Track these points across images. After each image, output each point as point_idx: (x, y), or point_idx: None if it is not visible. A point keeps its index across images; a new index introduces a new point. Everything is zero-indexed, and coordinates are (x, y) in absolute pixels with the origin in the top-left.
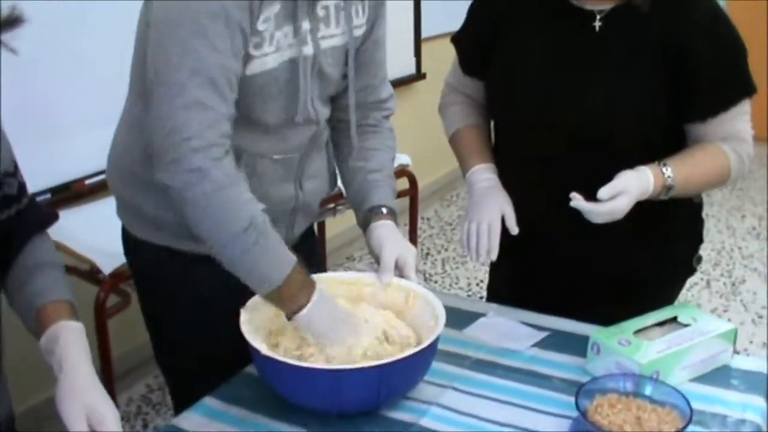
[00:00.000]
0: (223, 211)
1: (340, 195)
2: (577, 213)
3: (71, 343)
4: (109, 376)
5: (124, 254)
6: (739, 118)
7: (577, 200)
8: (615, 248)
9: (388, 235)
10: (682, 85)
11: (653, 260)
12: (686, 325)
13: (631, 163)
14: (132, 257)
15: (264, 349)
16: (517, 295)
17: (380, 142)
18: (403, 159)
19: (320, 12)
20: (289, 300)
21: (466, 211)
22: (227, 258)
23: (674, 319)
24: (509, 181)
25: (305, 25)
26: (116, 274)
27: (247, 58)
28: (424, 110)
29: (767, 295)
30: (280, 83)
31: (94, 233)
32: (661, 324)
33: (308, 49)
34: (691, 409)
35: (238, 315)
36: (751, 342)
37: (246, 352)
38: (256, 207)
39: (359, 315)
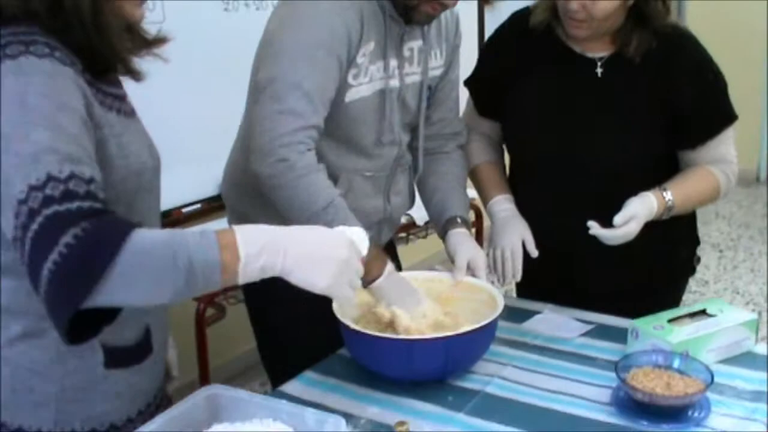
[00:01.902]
0: (306, 193)
1: (413, 224)
2: (591, 236)
3: None
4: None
5: None
6: (725, 143)
7: (595, 228)
8: (625, 260)
9: (462, 240)
10: (675, 119)
11: (660, 264)
12: (713, 316)
13: (633, 189)
14: None
15: (350, 323)
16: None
17: (454, 165)
18: (470, 193)
19: (406, 52)
20: (366, 269)
21: (490, 239)
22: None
23: (704, 312)
24: (525, 210)
25: (393, 63)
26: None
27: (347, 87)
28: None
29: None
30: (371, 109)
31: None
32: (692, 315)
33: (394, 83)
34: (713, 376)
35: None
36: None
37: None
38: (334, 191)
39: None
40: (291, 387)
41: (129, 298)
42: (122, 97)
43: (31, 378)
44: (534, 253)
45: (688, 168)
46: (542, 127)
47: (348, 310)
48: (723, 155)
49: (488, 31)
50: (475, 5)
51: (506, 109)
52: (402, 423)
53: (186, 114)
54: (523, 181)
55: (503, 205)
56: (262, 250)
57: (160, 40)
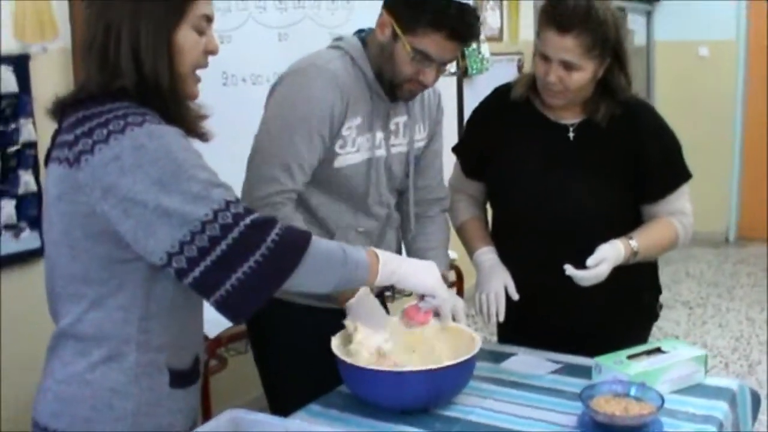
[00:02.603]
0: None
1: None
2: (566, 280)
3: None
4: None
5: None
6: (681, 198)
7: (570, 269)
8: (594, 303)
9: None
10: (638, 176)
11: (625, 308)
12: (667, 352)
13: (603, 238)
14: None
15: (346, 357)
16: (521, 342)
17: (438, 228)
18: (451, 254)
19: (392, 126)
20: (342, 293)
21: (476, 285)
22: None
23: (659, 349)
24: (507, 258)
25: (379, 135)
26: (216, 339)
27: (335, 155)
28: None
29: None
30: (361, 174)
31: None
32: (648, 352)
33: (381, 152)
34: (663, 400)
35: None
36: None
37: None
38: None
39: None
40: (297, 418)
41: (307, 283)
42: None
43: (112, 397)
44: (515, 296)
45: (650, 219)
46: (523, 186)
47: (344, 349)
48: (680, 208)
49: (466, 102)
50: (455, 80)
51: (491, 171)
52: None
53: None
54: (506, 234)
55: (488, 255)
56: (390, 259)
57: (204, 116)
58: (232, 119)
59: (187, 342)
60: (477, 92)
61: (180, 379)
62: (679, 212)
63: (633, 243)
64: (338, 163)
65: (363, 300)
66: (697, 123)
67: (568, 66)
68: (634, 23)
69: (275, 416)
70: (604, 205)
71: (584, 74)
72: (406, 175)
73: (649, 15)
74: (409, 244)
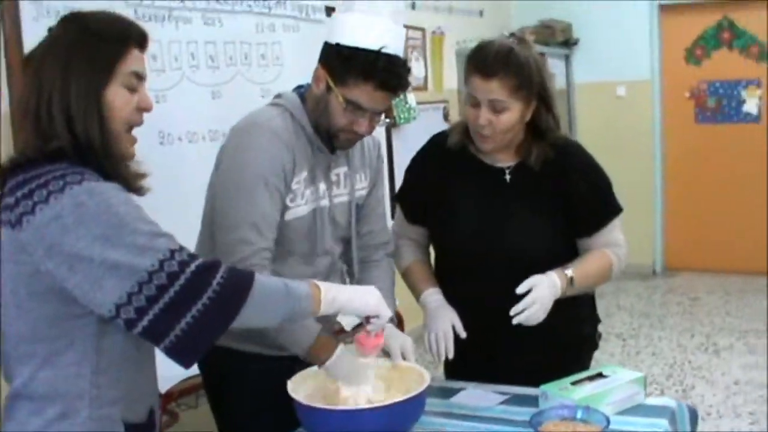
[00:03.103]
0: None
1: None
2: (508, 317)
3: None
4: None
5: None
6: (614, 230)
7: (516, 318)
8: (537, 337)
9: (392, 332)
10: (572, 213)
11: (567, 340)
12: (608, 377)
13: (542, 272)
14: (202, 359)
15: (301, 398)
16: (470, 377)
17: (383, 272)
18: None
19: (333, 177)
20: (318, 355)
21: (425, 325)
22: (276, 333)
23: (600, 374)
24: (452, 298)
25: (322, 186)
26: (167, 394)
27: (285, 209)
28: None
29: (712, 397)
30: (307, 226)
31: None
32: (591, 378)
33: (325, 202)
34: (609, 420)
35: (285, 397)
36: None
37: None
38: (254, 273)
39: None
40: None
41: (253, 321)
42: None
43: None
44: (463, 334)
45: (585, 252)
46: (463, 228)
47: (301, 390)
48: (614, 240)
49: (396, 150)
50: (383, 129)
51: (432, 215)
52: None
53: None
54: (449, 275)
55: (434, 296)
56: (330, 288)
57: (143, 174)
58: (170, 177)
59: (140, 394)
60: (405, 140)
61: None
62: (613, 244)
63: (568, 272)
64: (288, 216)
65: (340, 359)
66: (620, 160)
67: (496, 108)
68: (554, 67)
69: None
70: (541, 242)
71: (512, 115)
72: (350, 224)
73: (567, 58)
74: None
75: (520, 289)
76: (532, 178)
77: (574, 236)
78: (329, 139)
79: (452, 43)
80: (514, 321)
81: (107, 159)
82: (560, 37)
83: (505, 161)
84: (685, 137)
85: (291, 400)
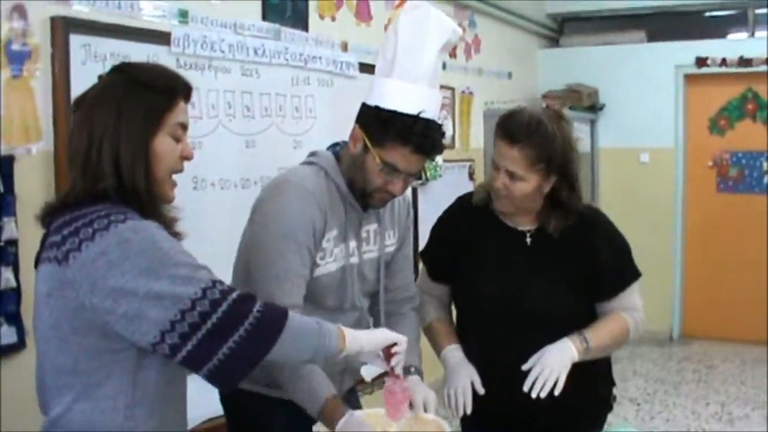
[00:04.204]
0: None
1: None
2: (525, 375)
3: None
4: None
5: (220, 401)
6: (633, 295)
7: (527, 387)
8: (555, 397)
9: (417, 384)
10: (592, 278)
11: (582, 400)
12: None
13: (561, 335)
14: (227, 401)
15: None
16: None
17: (409, 324)
18: None
19: (363, 234)
20: (329, 417)
21: (444, 380)
22: (291, 389)
23: None
24: (471, 355)
25: (353, 244)
26: None
27: (315, 266)
28: None
29: None
30: (336, 281)
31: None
32: None
33: (354, 259)
34: None
35: None
36: None
37: None
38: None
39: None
40: None
41: (286, 356)
42: None
43: None
44: (481, 391)
45: (603, 315)
46: (486, 288)
47: None
48: (632, 304)
49: (421, 207)
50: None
51: (455, 274)
52: None
53: None
54: (469, 332)
55: (454, 353)
56: (350, 331)
57: (176, 218)
58: (201, 221)
59: (172, 427)
60: (431, 197)
61: None
62: (631, 308)
63: (586, 338)
64: (317, 272)
65: (349, 421)
66: (641, 225)
67: (512, 176)
68: (580, 131)
69: None
70: (560, 306)
71: (527, 185)
72: (378, 279)
73: (593, 123)
74: None
75: (525, 366)
76: (553, 244)
77: (593, 300)
78: (363, 197)
79: (480, 102)
80: (532, 394)
81: (149, 202)
82: (587, 101)
83: (526, 225)
84: (707, 206)
85: None
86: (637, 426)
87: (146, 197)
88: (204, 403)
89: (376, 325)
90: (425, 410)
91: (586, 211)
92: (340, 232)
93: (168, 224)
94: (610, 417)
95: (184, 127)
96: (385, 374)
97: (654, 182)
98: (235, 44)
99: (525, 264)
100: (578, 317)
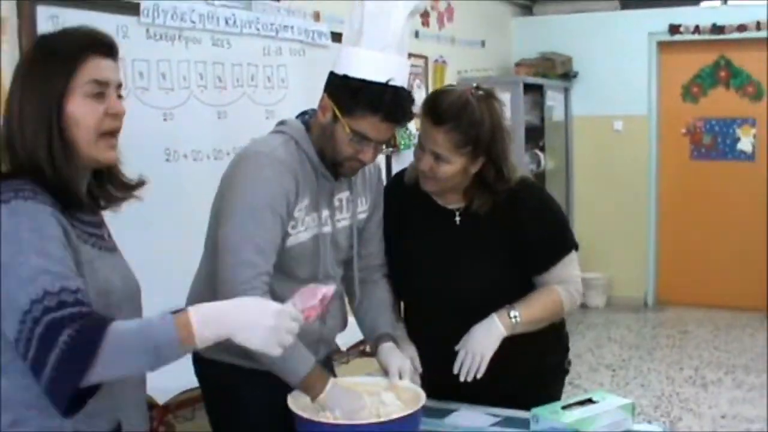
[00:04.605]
0: None
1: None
2: None
3: None
4: None
5: (195, 373)
6: (568, 267)
7: (456, 369)
8: (501, 370)
9: (392, 352)
10: (522, 252)
11: (531, 370)
12: (597, 402)
13: (493, 310)
14: (202, 373)
15: (301, 412)
16: None
17: (382, 291)
18: None
19: (336, 203)
20: (312, 387)
21: None
22: (270, 360)
23: (590, 400)
24: (416, 332)
25: (325, 213)
26: (164, 407)
27: (287, 236)
28: None
29: (699, 429)
30: (308, 251)
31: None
32: (581, 403)
33: (327, 228)
34: None
35: (283, 412)
36: None
37: None
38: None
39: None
40: None
41: (115, 374)
42: (100, 235)
43: None
44: (419, 369)
45: (539, 288)
46: (418, 269)
47: (300, 403)
48: (567, 276)
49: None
50: (383, 155)
51: (390, 252)
52: None
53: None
54: (411, 309)
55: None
56: (210, 323)
57: (140, 184)
58: (174, 193)
59: (100, 408)
60: (404, 165)
61: None
62: (566, 280)
63: (514, 313)
64: (289, 242)
65: (333, 392)
66: (615, 193)
67: (438, 157)
68: (553, 100)
69: None
70: (491, 283)
71: (452, 167)
72: (351, 247)
73: (566, 91)
74: (356, 310)
75: (457, 347)
76: (482, 221)
77: (526, 274)
78: (333, 166)
79: (454, 72)
80: (460, 378)
81: (56, 176)
82: (560, 69)
83: (454, 203)
84: (680, 173)
85: (290, 413)
86: (612, 392)
87: (50, 171)
88: (179, 374)
89: (349, 293)
90: (400, 378)
91: (518, 186)
92: (311, 202)
93: (102, 198)
94: (585, 383)
95: (104, 83)
96: (361, 342)
97: (628, 150)
98: (206, 14)
99: (454, 244)
100: (512, 294)
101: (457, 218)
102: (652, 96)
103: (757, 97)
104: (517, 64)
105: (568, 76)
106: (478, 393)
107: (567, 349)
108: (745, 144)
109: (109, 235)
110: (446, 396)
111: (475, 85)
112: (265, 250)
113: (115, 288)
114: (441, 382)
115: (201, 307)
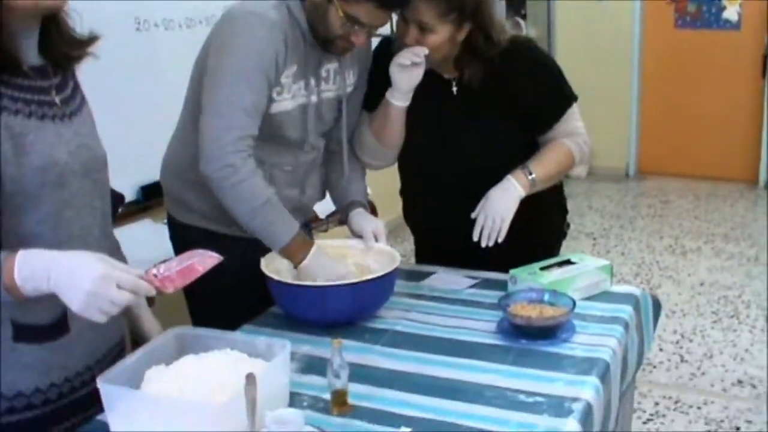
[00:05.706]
0: (248, 193)
1: (315, 217)
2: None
3: None
4: None
5: (170, 237)
6: (571, 119)
7: (476, 236)
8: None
9: (364, 216)
10: (524, 113)
11: (534, 231)
12: (576, 263)
13: (504, 173)
14: (176, 238)
15: (274, 275)
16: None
17: (353, 162)
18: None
19: (323, 73)
20: (295, 253)
21: None
22: (252, 226)
23: (568, 261)
24: (421, 203)
25: (312, 82)
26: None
27: (271, 101)
28: None
29: (678, 296)
30: (293, 120)
31: (126, 247)
32: (559, 264)
33: (314, 98)
34: (575, 303)
35: (256, 276)
36: (664, 330)
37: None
38: (270, 191)
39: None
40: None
41: None
42: (47, 102)
43: None
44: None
45: (545, 145)
46: (418, 139)
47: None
48: (573, 128)
49: None
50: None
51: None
52: (338, 341)
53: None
54: (413, 181)
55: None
56: (33, 275)
57: (92, 39)
58: (145, 63)
59: (44, 296)
60: None
61: (28, 333)
62: (571, 133)
63: (530, 170)
64: (273, 109)
65: (315, 258)
66: (598, 63)
67: (423, 28)
68: None
69: (217, 330)
70: (496, 147)
71: (439, 37)
72: (335, 119)
73: None
74: (327, 180)
75: (473, 214)
76: (479, 86)
77: (533, 135)
78: (324, 43)
79: None
80: (482, 244)
81: None
82: None
83: (450, 72)
84: (664, 42)
85: (264, 277)
86: None
87: None
88: (156, 245)
89: (337, 167)
90: (376, 240)
91: (508, 45)
92: (299, 69)
93: (50, 57)
94: (566, 251)
95: None
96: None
97: (612, 18)
98: None
99: (454, 111)
100: (519, 155)
101: (454, 87)
102: None
103: None
104: None
105: None
106: (477, 253)
107: (566, 211)
108: (731, 13)
109: (66, 101)
110: (446, 253)
111: None
112: (253, 114)
113: (58, 161)
114: (447, 242)
115: (30, 254)
